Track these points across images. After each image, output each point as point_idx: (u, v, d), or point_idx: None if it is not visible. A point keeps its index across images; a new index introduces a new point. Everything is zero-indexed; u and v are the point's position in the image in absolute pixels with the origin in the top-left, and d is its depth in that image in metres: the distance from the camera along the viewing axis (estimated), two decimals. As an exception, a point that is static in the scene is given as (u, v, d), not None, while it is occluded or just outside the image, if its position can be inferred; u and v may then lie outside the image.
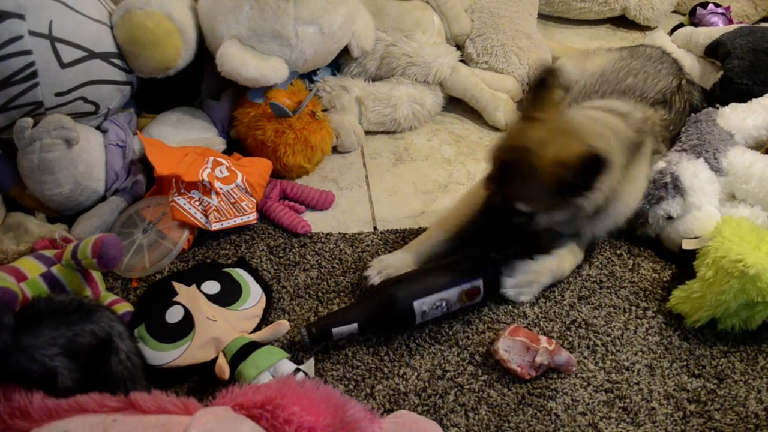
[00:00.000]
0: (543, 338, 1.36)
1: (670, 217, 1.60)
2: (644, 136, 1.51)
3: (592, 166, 1.21)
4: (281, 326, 1.38)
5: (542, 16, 2.58)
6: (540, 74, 1.32)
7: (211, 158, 1.66)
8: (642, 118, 1.57)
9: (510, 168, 1.30)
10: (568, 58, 2.09)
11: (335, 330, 1.35)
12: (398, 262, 1.51)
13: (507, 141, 1.34)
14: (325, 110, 1.94)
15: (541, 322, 1.47)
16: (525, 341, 1.35)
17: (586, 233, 1.53)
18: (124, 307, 1.39)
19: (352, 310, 1.39)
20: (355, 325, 1.36)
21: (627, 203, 1.49)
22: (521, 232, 1.45)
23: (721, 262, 1.37)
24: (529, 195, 1.32)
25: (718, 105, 1.88)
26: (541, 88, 1.33)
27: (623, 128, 1.45)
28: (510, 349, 1.35)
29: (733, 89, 1.97)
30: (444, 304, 1.40)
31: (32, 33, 1.44)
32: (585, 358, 1.40)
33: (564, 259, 1.54)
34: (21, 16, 1.43)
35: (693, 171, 1.60)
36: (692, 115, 1.82)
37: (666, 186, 1.58)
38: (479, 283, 1.43)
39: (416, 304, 1.38)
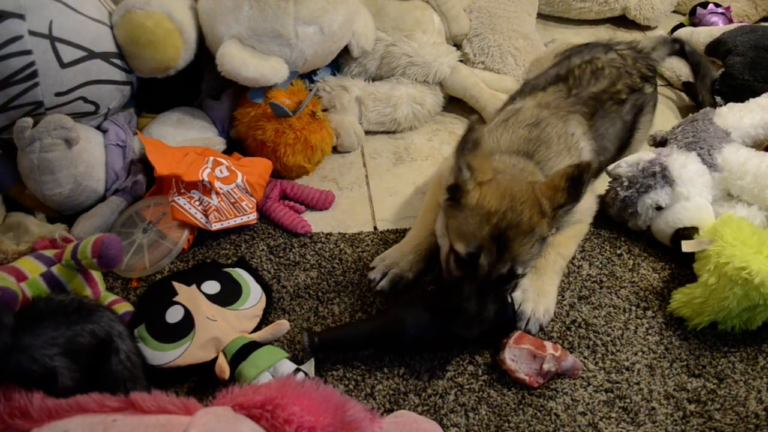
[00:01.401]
0: (548, 344, 1.35)
1: (659, 208, 1.60)
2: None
3: (580, 174, 1.24)
4: (281, 326, 1.38)
5: (542, 16, 2.59)
6: (471, 135, 1.27)
7: (211, 158, 1.66)
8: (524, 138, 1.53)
9: (505, 233, 1.24)
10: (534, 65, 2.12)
11: (338, 347, 1.36)
12: (401, 259, 1.51)
13: (486, 211, 1.25)
14: (325, 110, 1.94)
15: (541, 322, 1.47)
16: (531, 348, 1.33)
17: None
18: (124, 307, 1.39)
19: (357, 329, 1.38)
20: (357, 345, 1.37)
21: None
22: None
23: (724, 269, 1.36)
24: (527, 252, 1.27)
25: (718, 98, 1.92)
26: (476, 148, 1.28)
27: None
28: (516, 358, 1.33)
29: (733, 85, 1.98)
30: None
31: (32, 33, 1.44)
32: (585, 358, 1.40)
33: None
34: (21, 16, 1.43)
35: (682, 162, 1.61)
36: (689, 114, 1.83)
37: (654, 175, 1.59)
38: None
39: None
